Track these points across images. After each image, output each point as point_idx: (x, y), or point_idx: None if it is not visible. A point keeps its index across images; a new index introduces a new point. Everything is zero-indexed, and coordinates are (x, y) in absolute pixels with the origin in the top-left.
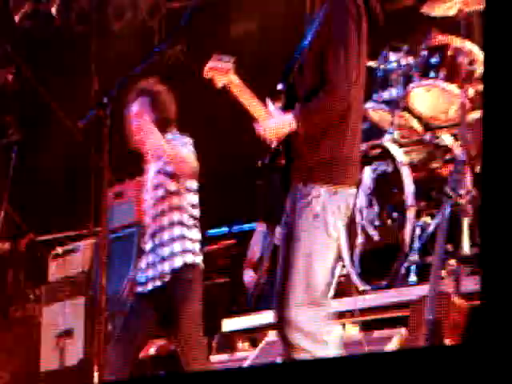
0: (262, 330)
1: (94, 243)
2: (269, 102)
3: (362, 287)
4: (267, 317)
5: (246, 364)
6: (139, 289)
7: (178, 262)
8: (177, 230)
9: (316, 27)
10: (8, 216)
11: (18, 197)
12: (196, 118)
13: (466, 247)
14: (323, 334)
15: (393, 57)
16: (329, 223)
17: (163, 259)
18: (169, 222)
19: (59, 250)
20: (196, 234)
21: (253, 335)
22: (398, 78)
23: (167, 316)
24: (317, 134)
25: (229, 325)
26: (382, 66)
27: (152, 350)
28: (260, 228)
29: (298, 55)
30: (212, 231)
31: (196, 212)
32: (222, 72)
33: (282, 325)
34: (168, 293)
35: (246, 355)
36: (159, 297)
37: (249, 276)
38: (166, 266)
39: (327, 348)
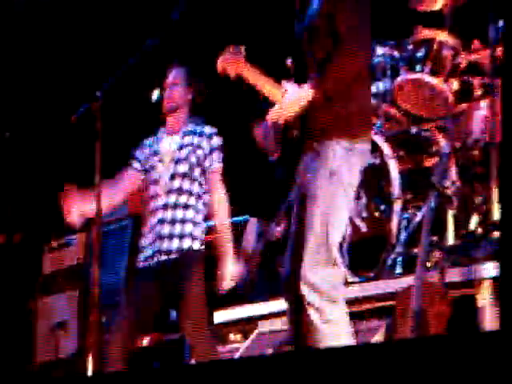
0: (253, 321)
1: (88, 236)
2: (284, 82)
3: (350, 278)
4: (259, 309)
5: (236, 355)
6: (142, 264)
7: (186, 244)
8: (190, 213)
9: None
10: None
11: (12, 191)
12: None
13: (451, 238)
14: (337, 294)
15: (380, 50)
16: (345, 180)
17: (172, 236)
18: (185, 202)
19: (54, 243)
20: (203, 222)
21: (244, 327)
22: (385, 71)
23: (172, 293)
24: (334, 95)
25: (220, 317)
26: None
27: (145, 342)
28: (253, 220)
29: (306, 25)
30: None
31: (207, 200)
32: (233, 62)
33: (295, 283)
34: (174, 270)
35: (238, 347)
36: (164, 271)
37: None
38: (175, 244)
39: (339, 308)
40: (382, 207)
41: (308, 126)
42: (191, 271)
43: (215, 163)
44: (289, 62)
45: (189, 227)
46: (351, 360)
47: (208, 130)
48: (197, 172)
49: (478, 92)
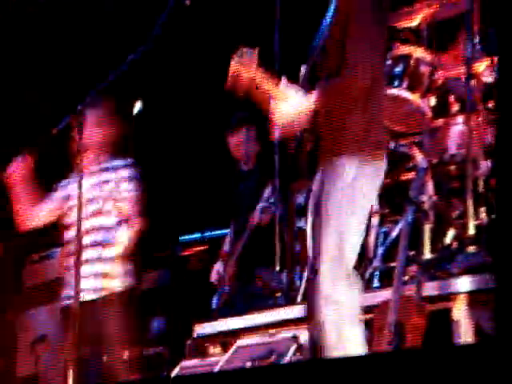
0: (233, 334)
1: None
2: (283, 80)
3: None
4: (238, 322)
5: (216, 368)
6: (65, 303)
7: (108, 283)
8: (110, 251)
9: (336, 4)
10: None
11: None
12: (168, 127)
13: (427, 252)
14: (353, 310)
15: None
16: (359, 195)
17: (93, 275)
18: (103, 240)
19: (35, 256)
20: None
21: (224, 340)
22: None
23: (92, 333)
24: (341, 110)
25: (200, 330)
26: None
27: (125, 355)
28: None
29: (321, 36)
30: (184, 237)
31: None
32: (247, 66)
33: (314, 296)
34: (96, 309)
35: (217, 360)
36: (86, 311)
37: (216, 270)
38: (96, 283)
39: (355, 325)
40: None
41: (322, 142)
42: (113, 312)
43: (125, 193)
44: (303, 69)
45: (109, 266)
46: (329, 373)
47: (118, 162)
48: (109, 206)
49: (455, 108)
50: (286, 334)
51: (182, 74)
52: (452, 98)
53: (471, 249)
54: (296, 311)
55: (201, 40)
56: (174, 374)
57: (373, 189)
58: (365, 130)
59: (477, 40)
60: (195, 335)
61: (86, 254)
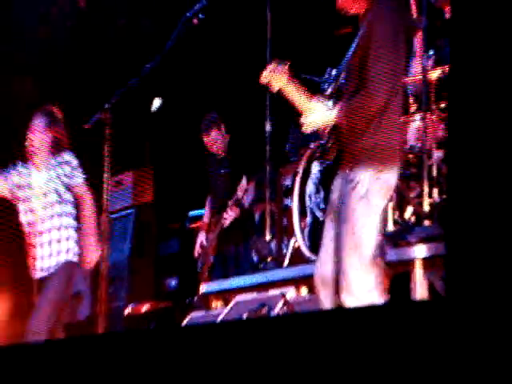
0: (232, 292)
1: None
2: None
3: (310, 257)
4: (237, 281)
5: (219, 319)
6: (36, 276)
7: (62, 258)
8: (65, 232)
9: (361, 33)
10: None
11: None
12: (181, 119)
13: (390, 225)
14: (375, 299)
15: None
16: (373, 204)
17: (50, 255)
18: (59, 225)
19: None
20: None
21: (225, 296)
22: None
23: None
24: (358, 126)
25: (206, 287)
26: (327, 82)
27: (144, 308)
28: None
29: (346, 60)
30: (192, 213)
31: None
32: (278, 76)
33: (336, 291)
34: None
35: (220, 312)
36: (43, 284)
37: (199, 241)
38: (53, 261)
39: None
40: None
41: (342, 154)
42: (57, 276)
43: (77, 179)
44: (329, 90)
45: (64, 244)
46: (306, 326)
47: (66, 156)
48: (67, 195)
49: (413, 108)
50: (275, 291)
51: (191, 79)
52: (411, 100)
53: (426, 222)
54: (283, 273)
55: (208, 52)
56: (184, 322)
57: (384, 198)
58: (377, 146)
59: (431, 52)
60: (202, 292)
61: (49, 236)
